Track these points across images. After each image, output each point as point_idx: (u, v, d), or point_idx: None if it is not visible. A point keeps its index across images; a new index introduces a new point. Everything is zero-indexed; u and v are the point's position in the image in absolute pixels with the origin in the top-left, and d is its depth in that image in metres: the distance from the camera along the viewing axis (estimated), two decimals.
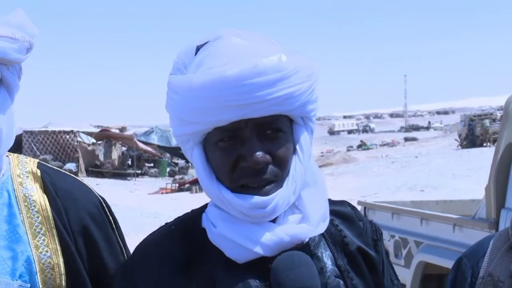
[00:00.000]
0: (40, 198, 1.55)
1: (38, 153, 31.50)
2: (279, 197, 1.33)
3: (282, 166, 1.35)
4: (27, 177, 1.58)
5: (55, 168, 1.67)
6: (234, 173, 1.33)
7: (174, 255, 1.38)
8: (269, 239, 1.33)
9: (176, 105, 1.37)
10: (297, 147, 1.38)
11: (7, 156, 1.61)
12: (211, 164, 1.37)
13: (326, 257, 1.42)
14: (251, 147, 1.31)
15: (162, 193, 27.76)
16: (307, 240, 1.39)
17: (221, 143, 1.34)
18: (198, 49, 1.39)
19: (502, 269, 1.50)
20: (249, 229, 1.34)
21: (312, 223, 1.37)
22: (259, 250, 1.33)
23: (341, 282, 1.40)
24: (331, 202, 1.49)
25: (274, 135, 1.34)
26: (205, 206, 1.45)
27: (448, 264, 5.16)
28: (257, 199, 1.31)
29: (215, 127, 1.33)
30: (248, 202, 1.31)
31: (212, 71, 1.31)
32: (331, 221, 1.45)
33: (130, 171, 35.38)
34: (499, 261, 1.51)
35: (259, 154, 1.31)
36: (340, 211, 1.50)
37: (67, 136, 33.57)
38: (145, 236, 1.45)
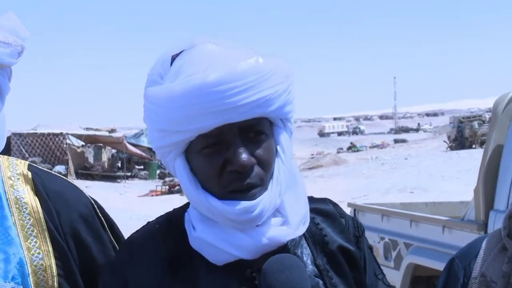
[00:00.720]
0: (31, 200, 1.55)
1: (27, 155, 31.34)
2: (265, 200, 1.33)
3: (267, 168, 1.35)
4: (18, 179, 1.58)
5: (46, 170, 1.66)
6: (222, 179, 1.33)
7: (159, 253, 1.38)
8: (247, 241, 1.33)
9: (156, 117, 1.36)
10: (279, 148, 1.39)
11: None
12: (195, 174, 1.36)
13: (306, 256, 1.42)
14: (236, 150, 1.31)
15: (152, 195, 27.69)
16: (286, 241, 1.40)
17: (205, 150, 1.33)
18: (173, 59, 1.38)
19: (495, 270, 1.50)
20: (228, 233, 1.34)
21: (292, 226, 1.37)
22: (238, 253, 1.34)
23: (320, 282, 1.40)
24: (312, 200, 1.49)
25: (257, 138, 1.35)
26: (188, 204, 1.45)
27: (438, 266, 5.18)
28: (244, 203, 1.31)
29: (199, 134, 1.32)
30: (237, 208, 1.31)
31: (192, 78, 1.30)
32: (312, 220, 1.45)
33: (120, 173, 35.26)
34: (491, 261, 1.52)
35: (244, 157, 1.31)
36: (322, 209, 1.50)
37: (56, 139, 33.45)
38: None
